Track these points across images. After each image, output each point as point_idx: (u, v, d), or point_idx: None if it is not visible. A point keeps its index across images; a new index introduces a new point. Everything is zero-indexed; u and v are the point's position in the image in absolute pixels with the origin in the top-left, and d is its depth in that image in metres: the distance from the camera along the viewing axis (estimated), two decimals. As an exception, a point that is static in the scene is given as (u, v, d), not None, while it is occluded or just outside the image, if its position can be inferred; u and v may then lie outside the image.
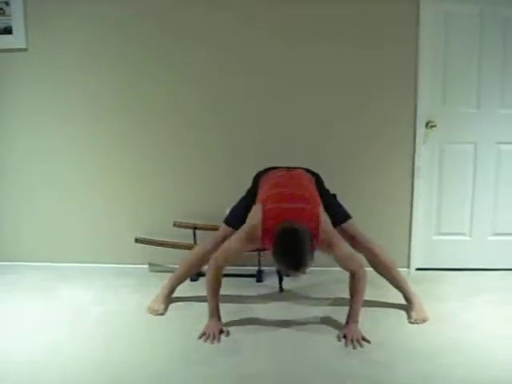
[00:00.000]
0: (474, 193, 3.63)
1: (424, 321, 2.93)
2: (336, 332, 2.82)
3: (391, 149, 3.54)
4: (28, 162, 3.73)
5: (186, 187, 3.62)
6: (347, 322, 2.82)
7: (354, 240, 2.98)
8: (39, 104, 3.64)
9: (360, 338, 2.72)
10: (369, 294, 3.22)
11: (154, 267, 3.73)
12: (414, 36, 3.39)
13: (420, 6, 3.35)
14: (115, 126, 3.64)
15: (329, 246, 2.73)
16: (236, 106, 3.54)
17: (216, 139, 3.57)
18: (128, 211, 3.72)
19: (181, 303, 3.18)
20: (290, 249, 2.51)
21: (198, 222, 3.58)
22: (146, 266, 3.74)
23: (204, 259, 3.12)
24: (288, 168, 3.06)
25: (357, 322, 2.81)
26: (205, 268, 3.46)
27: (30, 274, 3.65)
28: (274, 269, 3.62)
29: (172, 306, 3.15)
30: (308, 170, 3.07)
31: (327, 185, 3.06)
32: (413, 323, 2.92)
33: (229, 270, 3.63)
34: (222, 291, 3.34)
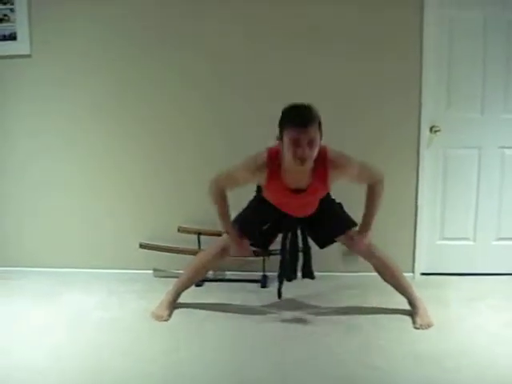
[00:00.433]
0: (478, 197, 3.63)
1: (429, 326, 2.92)
2: (339, 338, 2.82)
3: (395, 153, 3.53)
4: (30, 166, 3.73)
5: (191, 193, 3.62)
6: (359, 231, 2.92)
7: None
8: (42, 108, 3.64)
9: (368, 245, 2.90)
10: (373, 300, 3.24)
11: (159, 273, 3.73)
12: (418, 41, 3.39)
13: (424, 11, 3.35)
14: (119, 130, 3.64)
15: (342, 166, 2.69)
16: (240, 111, 3.54)
17: (220, 144, 3.56)
18: (132, 216, 3.73)
19: (185, 309, 3.17)
20: (298, 105, 2.57)
21: (203, 228, 3.57)
22: (151, 272, 3.74)
23: (208, 266, 3.14)
24: None
25: (369, 230, 2.91)
26: (209, 274, 3.49)
27: (33, 280, 3.65)
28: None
29: (176, 311, 3.14)
30: None
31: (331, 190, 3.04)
32: (418, 328, 2.91)
33: (233, 275, 3.66)
34: (226, 296, 3.37)
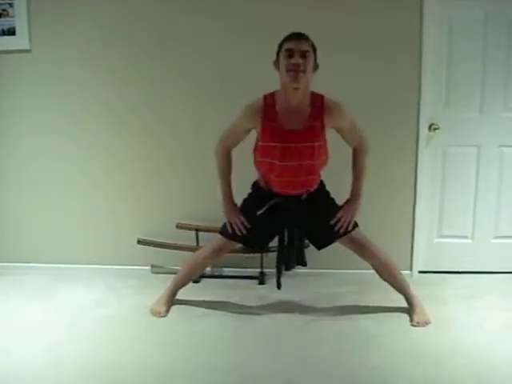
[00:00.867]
0: (476, 196, 3.63)
1: (426, 323, 2.93)
2: (337, 336, 2.82)
3: (394, 151, 3.53)
4: (29, 162, 3.73)
5: (190, 189, 3.62)
6: (348, 200, 2.94)
7: (362, 248, 2.95)
8: (42, 104, 3.64)
9: (352, 220, 2.90)
10: (371, 298, 3.25)
11: (157, 269, 3.73)
12: (417, 39, 3.38)
13: (423, 10, 3.34)
14: (118, 127, 3.64)
15: (339, 116, 2.76)
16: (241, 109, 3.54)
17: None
18: (131, 213, 3.73)
19: (183, 306, 3.18)
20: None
21: (201, 224, 3.58)
22: (149, 268, 3.74)
23: (204, 264, 3.15)
24: None
25: (359, 198, 2.93)
26: (207, 270, 3.49)
27: (32, 275, 3.66)
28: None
29: (174, 308, 3.14)
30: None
31: (329, 188, 3.04)
32: (415, 326, 2.92)
33: (231, 271, 3.66)
34: (224, 293, 3.37)
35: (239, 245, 3.03)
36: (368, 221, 3.44)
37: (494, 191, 3.62)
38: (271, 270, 3.59)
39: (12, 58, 3.59)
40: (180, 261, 3.33)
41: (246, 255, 3.46)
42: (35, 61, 3.59)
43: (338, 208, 2.95)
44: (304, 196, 2.87)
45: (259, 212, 2.90)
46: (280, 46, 2.65)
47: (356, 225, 2.96)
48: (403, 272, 3.45)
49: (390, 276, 3.02)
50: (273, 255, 3.47)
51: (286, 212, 2.87)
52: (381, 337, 2.80)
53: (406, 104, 3.47)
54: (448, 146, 3.59)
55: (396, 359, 2.58)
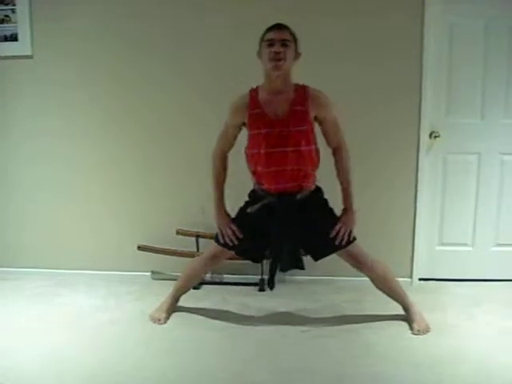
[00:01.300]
0: (476, 203, 3.63)
1: (427, 331, 2.91)
2: (337, 344, 2.81)
3: (395, 159, 3.53)
4: (30, 167, 3.74)
5: (190, 195, 3.62)
6: (344, 210, 2.90)
7: (360, 262, 2.90)
8: (43, 109, 3.66)
9: (352, 232, 2.86)
10: (370, 306, 3.24)
11: (157, 275, 3.73)
12: (418, 47, 3.39)
13: (424, 17, 3.35)
14: (119, 132, 3.65)
15: (324, 106, 2.78)
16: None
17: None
18: (131, 219, 3.73)
19: (183, 313, 3.17)
20: None
21: (201, 231, 3.58)
22: (149, 274, 3.75)
23: (201, 272, 3.14)
24: None
25: (353, 205, 2.89)
26: (207, 277, 3.49)
27: (32, 280, 3.67)
28: (277, 278, 3.62)
29: (174, 315, 3.14)
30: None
31: (328, 195, 3.01)
32: (416, 334, 2.90)
33: (231, 278, 3.65)
34: (224, 300, 3.36)
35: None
36: (368, 228, 3.46)
37: (494, 199, 3.61)
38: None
39: (14, 63, 3.62)
40: (180, 267, 3.32)
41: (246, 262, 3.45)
42: (37, 66, 3.61)
43: (336, 219, 2.88)
44: (299, 196, 2.82)
45: (250, 210, 2.89)
46: (262, 37, 2.73)
47: (354, 238, 2.90)
48: (404, 279, 3.46)
49: (387, 288, 3.00)
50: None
51: (280, 213, 2.79)
52: (380, 345, 2.79)
53: (407, 111, 3.47)
54: (449, 154, 3.59)
55: (396, 367, 2.57)
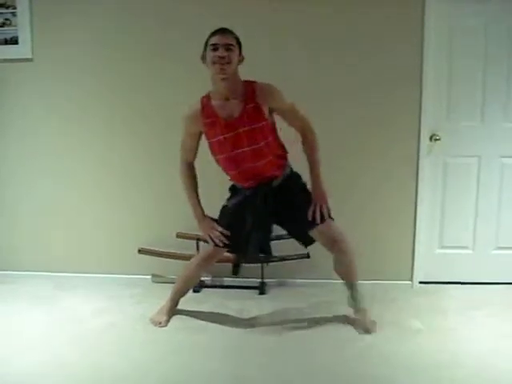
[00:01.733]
0: (477, 206, 3.63)
1: (372, 327, 2.94)
2: (335, 348, 2.81)
3: (395, 162, 3.53)
4: (29, 170, 3.74)
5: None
6: (313, 188, 2.90)
7: (333, 241, 2.88)
8: (43, 111, 3.66)
9: (327, 204, 2.86)
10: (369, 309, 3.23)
11: (157, 278, 3.73)
12: (418, 49, 3.39)
13: (425, 20, 3.36)
14: (120, 135, 3.65)
15: (272, 96, 2.79)
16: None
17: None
18: (131, 222, 3.73)
19: (183, 316, 3.17)
20: None
21: (201, 234, 3.57)
22: (149, 277, 3.74)
23: (197, 274, 3.15)
24: None
25: (321, 184, 2.89)
26: (207, 280, 3.48)
27: (30, 284, 3.66)
28: (277, 281, 3.64)
29: (175, 317, 3.14)
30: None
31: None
32: (359, 331, 2.93)
33: (231, 281, 3.65)
34: (224, 303, 3.36)
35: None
36: (369, 231, 3.46)
37: (494, 202, 3.61)
38: (272, 280, 3.61)
39: (14, 66, 3.62)
40: (180, 270, 3.31)
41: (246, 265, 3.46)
42: (37, 69, 3.61)
43: (308, 192, 2.94)
44: (274, 183, 2.89)
45: (232, 202, 2.96)
46: (206, 42, 2.74)
47: (330, 217, 2.90)
48: (404, 282, 3.47)
49: (347, 275, 2.98)
50: (274, 266, 3.49)
51: (258, 201, 2.86)
52: (377, 347, 2.79)
53: (407, 114, 3.48)
54: (449, 157, 3.59)
55: (393, 370, 2.57)
